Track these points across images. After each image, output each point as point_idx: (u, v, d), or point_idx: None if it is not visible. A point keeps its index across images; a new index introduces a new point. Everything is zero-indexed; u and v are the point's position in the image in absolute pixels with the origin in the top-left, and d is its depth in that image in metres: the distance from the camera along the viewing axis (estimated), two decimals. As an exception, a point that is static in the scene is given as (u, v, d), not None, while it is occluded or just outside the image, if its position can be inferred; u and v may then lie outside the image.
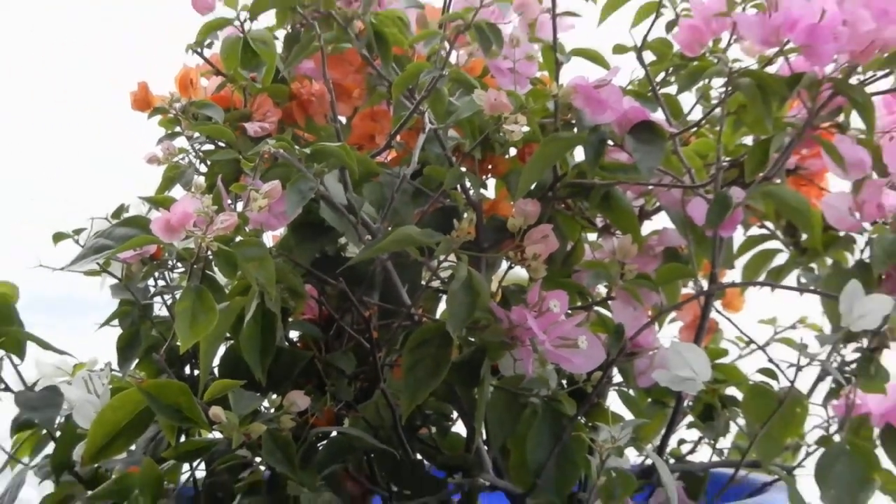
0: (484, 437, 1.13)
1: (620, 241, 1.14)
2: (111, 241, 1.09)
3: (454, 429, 1.20)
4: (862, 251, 1.14)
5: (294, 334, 1.17)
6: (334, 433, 1.13)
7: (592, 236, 1.19)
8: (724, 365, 1.20)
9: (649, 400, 1.22)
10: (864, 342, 1.14)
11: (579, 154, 1.13)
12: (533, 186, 1.13)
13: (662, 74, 1.16)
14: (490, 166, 1.17)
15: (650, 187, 1.15)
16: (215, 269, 1.03)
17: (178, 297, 1.06)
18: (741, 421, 1.22)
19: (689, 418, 1.22)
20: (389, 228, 1.10)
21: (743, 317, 1.22)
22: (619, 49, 1.15)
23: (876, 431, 1.15)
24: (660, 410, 1.21)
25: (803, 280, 1.17)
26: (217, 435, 1.08)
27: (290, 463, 1.07)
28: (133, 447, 1.10)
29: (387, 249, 1.09)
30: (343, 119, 1.19)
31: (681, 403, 1.18)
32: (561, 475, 1.09)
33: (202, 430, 1.08)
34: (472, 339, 1.10)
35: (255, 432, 1.06)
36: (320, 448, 1.13)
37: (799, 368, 1.13)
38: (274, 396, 1.11)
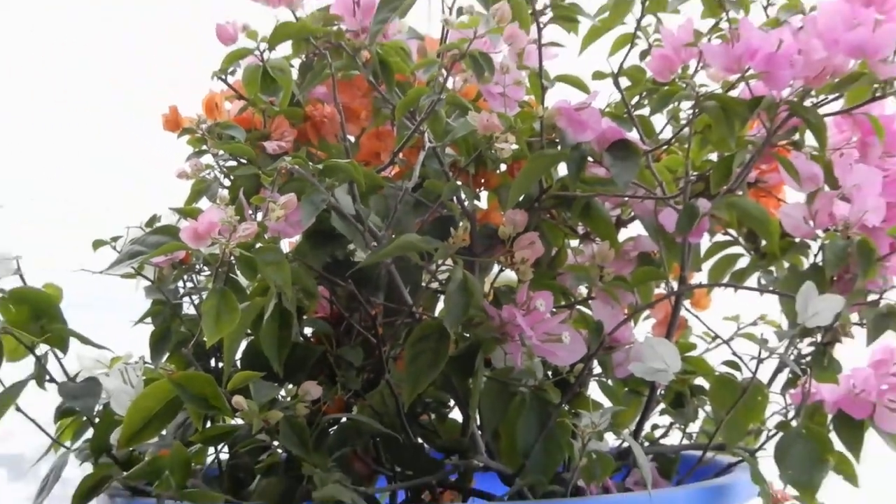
0: (478, 422, 1.13)
1: (599, 247, 1.14)
2: (145, 248, 1.10)
3: (451, 415, 1.20)
4: (815, 256, 1.14)
5: (308, 330, 1.18)
6: (344, 419, 1.14)
7: (574, 243, 1.19)
8: (692, 357, 1.20)
9: (626, 389, 1.22)
10: (818, 337, 1.14)
11: (562, 169, 1.14)
12: (521, 198, 1.13)
13: (637, 98, 1.16)
14: (483, 180, 1.17)
15: (626, 199, 1.15)
16: (238, 272, 1.04)
17: (204, 297, 1.06)
18: (708, 408, 1.22)
19: (662, 405, 1.22)
20: (393, 236, 1.10)
21: (709, 314, 1.22)
22: (598, 75, 1.15)
23: (829, 417, 1.15)
24: (635, 399, 1.21)
25: (763, 281, 1.17)
26: (239, 421, 1.08)
27: (305, 446, 1.07)
28: (164, 432, 1.10)
29: (391, 254, 1.09)
30: (352, 138, 1.19)
31: (654, 392, 1.19)
32: (547, 457, 1.09)
33: (226, 416, 1.08)
34: (467, 335, 1.10)
35: (273, 418, 1.06)
36: (331, 433, 1.13)
37: (760, 361, 1.14)
38: (290, 386, 1.11)
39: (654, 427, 1.23)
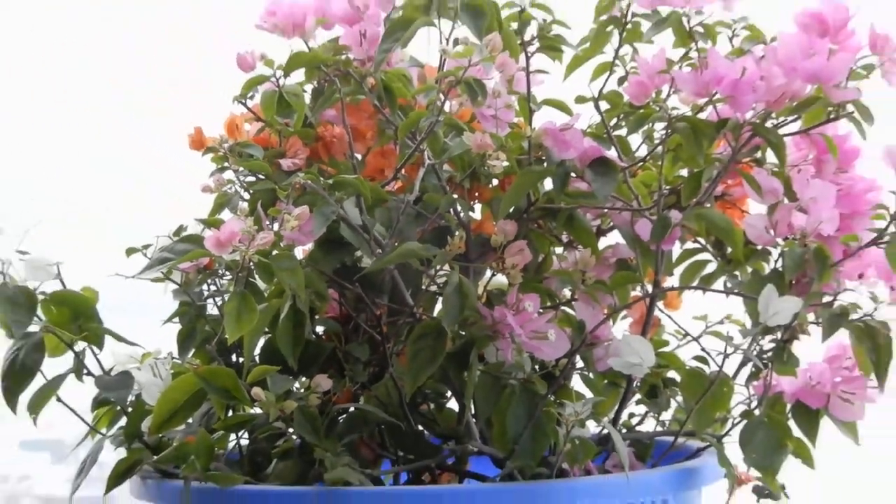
0: (472, 412, 1.13)
1: (581, 254, 1.14)
2: (173, 255, 1.10)
3: (448, 405, 1.19)
4: (776, 262, 1.14)
5: (319, 329, 1.17)
6: (352, 409, 1.14)
7: (559, 250, 1.19)
8: (665, 353, 1.20)
9: (605, 381, 1.21)
10: (778, 335, 1.14)
11: (548, 184, 1.13)
12: (511, 210, 1.13)
13: (615, 120, 1.16)
14: (477, 194, 1.17)
15: (605, 210, 1.15)
16: (256, 276, 1.04)
17: (226, 299, 1.06)
18: (679, 398, 1.21)
19: (638, 396, 1.22)
20: (396, 244, 1.10)
21: (680, 314, 1.22)
22: (580, 99, 1.15)
23: (788, 407, 1.15)
24: (614, 390, 1.21)
25: (729, 285, 1.17)
26: (257, 410, 1.08)
27: (317, 433, 1.07)
28: (190, 420, 1.10)
29: (394, 261, 1.09)
30: (358, 156, 1.19)
31: (631, 384, 1.18)
32: (534, 442, 1.09)
33: (245, 406, 1.08)
34: (463, 333, 1.10)
35: (288, 408, 1.06)
36: (341, 421, 1.13)
37: (726, 356, 1.13)
38: (303, 379, 1.11)
39: (631, 416, 1.23)
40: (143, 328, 1.20)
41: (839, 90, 1.09)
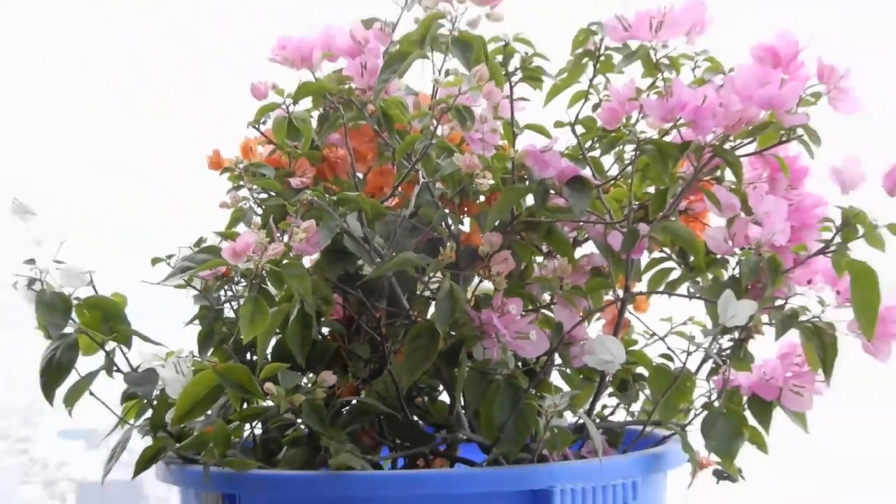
0: (462, 403, 1.13)
1: (559, 263, 1.14)
2: (193, 264, 1.10)
3: (441, 398, 1.19)
4: (733, 269, 1.14)
5: (325, 330, 1.17)
6: (354, 401, 1.13)
7: (540, 259, 1.19)
8: (634, 351, 1.20)
9: (581, 377, 1.21)
10: (736, 334, 1.13)
11: (530, 200, 1.14)
12: (497, 223, 1.13)
13: (589, 142, 1.16)
14: (466, 209, 1.17)
15: (581, 223, 1.15)
16: (268, 283, 1.04)
17: (241, 303, 1.06)
18: (647, 391, 1.21)
19: (610, 389, 1.21)
20: (393, 254, 1.10)
21: (648, 316, 1.22)
22: (558, 124, 1.15)
23: (744, 399, 1.15)
24: (588, 384, 1.21)
25: (691, 290, 1.17)
26: (269, 403, 1.08)
27: (323, 423, 1.07)
28: (209, 412, 1.09)
29: (391, 269, 1.09)
30: (360, 175, 1.19)
31: (604, 379, 1.18)
32: (517, 431, 1.09)
33: (259, 399, 1.07)
34: (454, 333, 1.10)
35: (297, 401, 1.06)
36: (344, 412, 1.13)
37: (689, 353, 1.14)
38: (310, 375, 1.11)
39: (604, 407, 1.23)
40: (167, 330, 1.20)
41: (790, 115, 1.09)
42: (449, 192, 1.13)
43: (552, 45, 1.16)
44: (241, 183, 1.16)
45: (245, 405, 1.10)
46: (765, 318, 1.13)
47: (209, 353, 1.16)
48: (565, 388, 1.20)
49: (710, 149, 1.10)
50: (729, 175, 1.13)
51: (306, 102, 1.19)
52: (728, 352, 1.14)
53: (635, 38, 1.12)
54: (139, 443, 1.13)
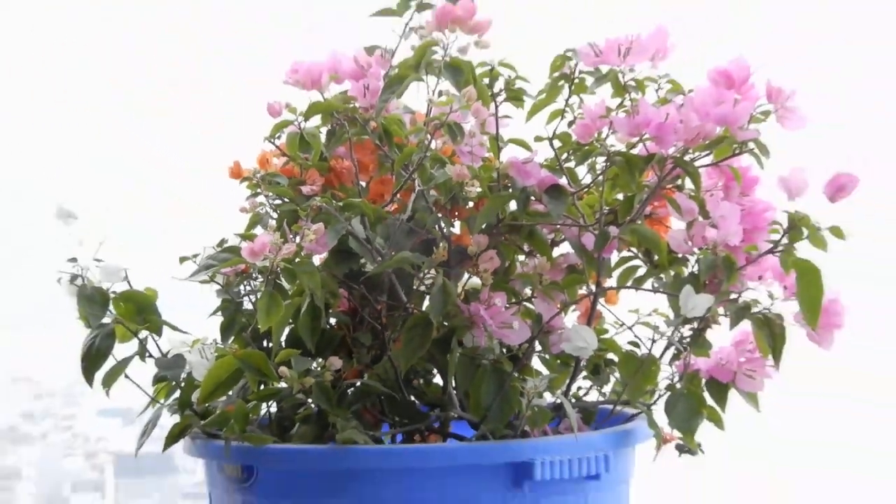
0: (453, 385, 1.13)
1: (539, 261, 1.14)
2: (216, 262, 1.10)
3: (435, 381, 1.19)
4: (693, 267, 1.14)
5: (332, 321, 1.17)
6: (358, 383, 1.13)
7: (522, 258, 1.19)
8: (605, 339, 1.20)
9: (558, 361, 1.21)
10: (695, 324, 1.14)
11: (513, 205, 1.14)
12: (484, 226, 1.13)
13: (565, 154, 1.16)
14: (456, 213, 1.17)
15: (558, 226, 1.15)
16: (282, 279, 1.04)
17: (258, 297, 1.06)
18: (617, 375, 1.21)
19: (584, 373, 1.21)
20: (393, 253, 1.10)
21: (618, 308, 1.22)
22: (538, 139, 1.15)
23: (703, 381, 1.15)
24: (565, 368, 1.21)
25: (656, 285, 1.17)
26: (283, 385, 1.08)
27: (330, 402, 1.07)
28: (230, 393, 1.09)
29: (391, 266, 1.09)
30: (363, 183, 1.19)
31: (579, 364, 1.18)
32: (502, 410, 1.09)
33: (274, 381, 1.08)
34: (446, 324, 1.10)
35: (308, 383, 1.06)
36: (349, 393, 1.13)
37: (654, 341, 1.14)
38: (319, 360, 1.11)
39: (579, 388, 1.23)
40: (193, 320, 1.20)
41: (742, 131, 1.09)
42: (442, 198, 1.14)
43: (533, 69, 1.17)
44: (259, 190, 1.16)
45: (262, 386, 1.10)
46: (721, 309, 1.13)
47: (230, 341, 1.16)
48: (545, 371, 1.20)
49: (672, 160, 1.11)
50: (688, 183, 1.13)
51: (316, 120, 1.19)
52: (688, 339, 1.14)
53: (606, 63, 1.13)
54: (169, 420, 1.13)
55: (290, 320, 1.11)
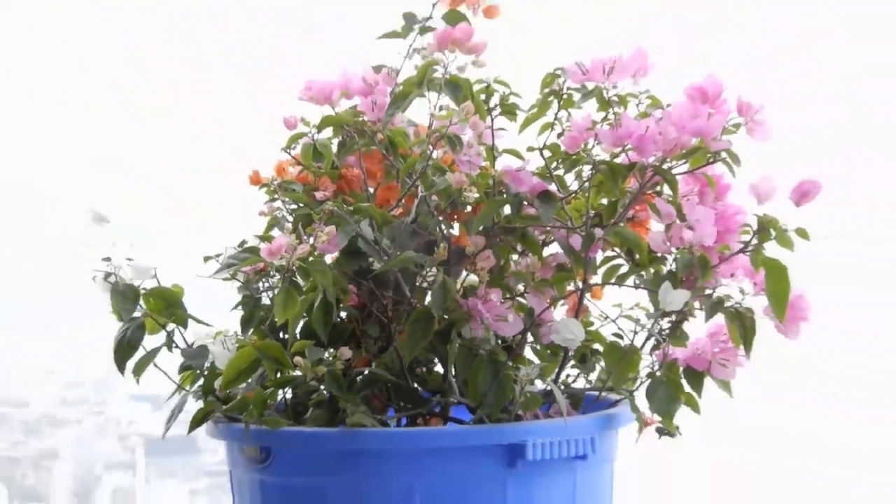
0: (453, 373, 1.13)
1: (531, 260, 1.14)
2: (237, 261, 1.10)
3: (436, 369, 1.19)
4: (671, 265, 1.14)
5: (343, 314, 1.17)
6: (367, 372, 1.14)
7: (515, 257, 1.19)
8: (592, 331, 1.20)
9: (549, 351, 1.21)
10: (673, 317, 1.14)
11: (507, 210, 1.14)
12: (480, 228, 1.13)
13: (555, 163, 1.16)
14: (455, 216, 1.17)
15: (548, 228, 1.15)
16: (297, 276, 1.04)
17: (275, 293, 1.06)
18: (602, 363, 1.21)
19: (572, 362, 1.21)
20: (398, 253, 1.10)
21: (603, 303, 1.22)
22: (530, 149, 1.15)
23: (681, 370, 1.15)
24: (555, 358, 1.21)
25: (637, 281, 1.17)
26: (298, 373, 1.08)
27: (341, 389, 1.08)
28: (249, 380, 1.09)
29: (396, 265, 1.09)
30: (371, 190, 1.19)
31: (567, 353, 1.19)
32: (497, 396, 1.09)
33: (289, 370, 1.08)
34: (446, 317, 1.10)
35: (320, 371, 1.07)
36: (358, 380, 1.13)
37: (635, 333, 1.14)
38: (331, 350, 1.11)
39: (568, 376, 1.23)
40: (216, 314, 1.20)
41: (716, 142, 1.09)
42: (442, 203, 1.14)
43: (525, 86, 1.16)
44: (276, 196, 1.16)
45: (278, 375, 1.10)
46: (696, 304, 1.13)
47: (250, 333, 1.16)
48: (536, 360, 1.21)
49: (652, 169, 1.11)
50: (667, 190, 1.13)
51: (328, 132, 1.19)
52: (667, 331, 1.14)
53: (591, 81, 1.13)
54: (193, 405, 1.13)
55: (305, 314, 1.11)
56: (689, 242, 1.11)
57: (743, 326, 1.11)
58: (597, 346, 1.21)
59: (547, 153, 1.15)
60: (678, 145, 1.09)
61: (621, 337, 1.17)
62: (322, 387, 1.09)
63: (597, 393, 1.19)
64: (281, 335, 1.16)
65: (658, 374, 1.13)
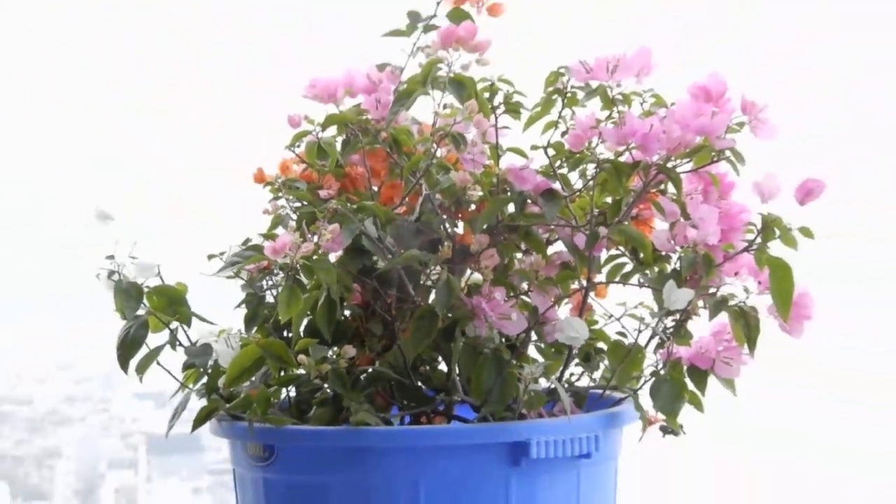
0: (457, 372, 1.13)
1: (535, 258, 1.14)
2: (241, 259, 1.10)
3: (440, 367, 1.19)
4: (675, 263, 1.14)
5: (347, 312, 1.17)
6: (370, 370, 1.14)
7: (519, 255, 1.19)
8: (596, 329, 1.20)
9: (553, 350, 1.21)
10: (677, 316, 1.14)
11: (511, 208, 1.14)
12: (485, 226, 1.13)
13: (559, 162, 1.16)
14: (460, 215, 1.17)
15: (552, 226, 1.15)
16: (301, 274, 1.04)
17: (279, 291, 1.06)
18: (606, 362, 1.21)
19: (576, 360, 1.21)
20: (402, 251, 1.10)
21: (607, 301, 1.22)
22: (534, 147, 1.15)
23: (685, 368, 1.15)
24: (559, 356, 1.21)
25: (641, 280, 1.17)
26: (302, 371, 1.08)
27: (345, 387, 1.08)
28: (253, 378, 1.10)
29: (400, 263, 1.09)
30: (375, 188, 1.19)
31: (571, 352, 1.18)
32: (501, 394, 1.10)
33: (293, 368, 1.08)
34: (450, 315, 1.10)
35: (324, 369, 1.07)
36: (362, 379, 1.13)
37: (639, 331, 1.14)
38: (335, 348, 1.11)
39: (571, 374, 1.23)
40: (220, 312, 1.20)
41: (720, 140, 1.09)
42: (446, 201, 1.14)
43: (529, 84, 1.17)
44: (280, 194, 1.16)
45: (282, 373, 1.10)
46: (700, 302, 1.13)
47: (254, 331, 1.16)
48: (540, 359, 1.20)
49: (656, 167, 1.11)
50: (671, 188, 1.13)
51: (332, 130, 1.19)
52: (671, 330, 1.14)
53: (595, 79, 1.13)
54: (197, 403, 1.13)
55: (309, 312, 1.11)
56: (693, 241, 1.11)
57: (747, 325, 1.11)
58: (601, 344, 1.21)
59: (551, 151, 1.15)
60: (682, 144, 1.09)
61: (625, 335, 1.17)
62: (326, 385, 1.09)
63: (600, 391, 1.19)
64: (285, 333, 1.16)
65: (662, 372, 1.13)
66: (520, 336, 1.15)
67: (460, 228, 1.19)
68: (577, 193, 1.17)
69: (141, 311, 1.14)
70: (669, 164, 1.11)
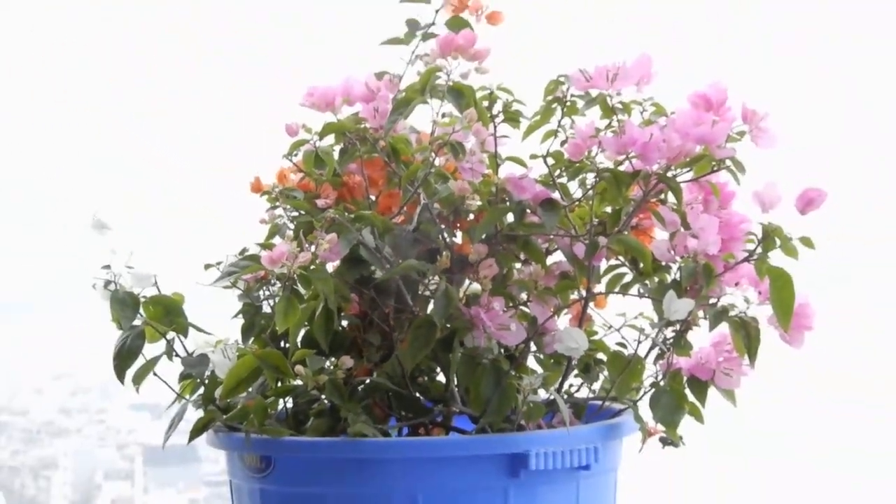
0: (455, 382, 1.13)
1: (534, 268, 1.14)
2: (237, 268, 1.10)
3: (438, 378, 1.19)
4: (675, 274, 1.14)
5: (344, 323, 1.17)
6: (368, 380, 1.13)
7: (518, 265, 1.19)
8: (595, 340, 1.20)
9: (552, 361, 1.21)
10: (677, 326, 1.13)
11: (510, 217, 1.14)
12: (483, 236, 1.13)
13: (558, 171, 1.16)
14: (458, 224, 1.17)
15: (551, 236, 1.15)
16: (298, 284, 1.04)
17: (276, 301, 1.06)
18: (606, 373, 1.21)
19: (575, 371, 1.21)
20: (400, 261, 1.10)
21: (606, 312, 1.22)
22: (533, 156, 1.15)
23: (685, 379, 1.15)
24: (558, 367, 1.20)
25: (641, 290, 1.17)
26: (299, 382, 1.08)
27: (342, 398, 1.07)
28: (250, 389, 1.09)
29: (398, 273, 1.09)
30: (373, 197, 1.19)
31: (570, 363, 1.18)
32: (500, 405, 1.09)
33: (290, 379, 1.08)
34: (449, 325, 1.10)
35: (322, 380, 1.06)
36: (360, 389, 1.13)
37: (639, 342, 1.14)
38: (332, 359, 1.11)
39: (571, 385, 1.22)
40: (217, 322, 1.19)
41: (720, 149, 1.09)
42: (445, 211, 1.14)
43: (528, 93, 1.17)
44: (277, 203, 1.16)
45: (279, 383, 1.10)
46: (700, 313, 1.13)
47: (250, 341, 1.16)
48: (539, 370, 1.20)
49: (656, 176, 1.11)
50: (671, 197, 1.13)
51: (330, 139, 1.19)
52: (671, 340, 1.14)
53: (595, 88, 1.13)
54: (194, 414, 1.13)
55: (306, 322, 1.10)
56: (693, 251, 1.10)
57: (748, 336, 1.11)
58: (600, 355, 1.20)
59: (550, 161, 1.15)
60: (682, 153, 1.09)
61: (625, 346, 1.16)
62: (323, 396, 1.09)
63: (600, 402, 1.18)
64: (282, 344, 1.15)
65: (662, 383, 1.13)
66: (519, 347, 1.14)
67: (459, 238, 1.18)
68: (577, 203, 1.16)
69: (137, 322, 1.13)
70: (669, 174, 1.11)
